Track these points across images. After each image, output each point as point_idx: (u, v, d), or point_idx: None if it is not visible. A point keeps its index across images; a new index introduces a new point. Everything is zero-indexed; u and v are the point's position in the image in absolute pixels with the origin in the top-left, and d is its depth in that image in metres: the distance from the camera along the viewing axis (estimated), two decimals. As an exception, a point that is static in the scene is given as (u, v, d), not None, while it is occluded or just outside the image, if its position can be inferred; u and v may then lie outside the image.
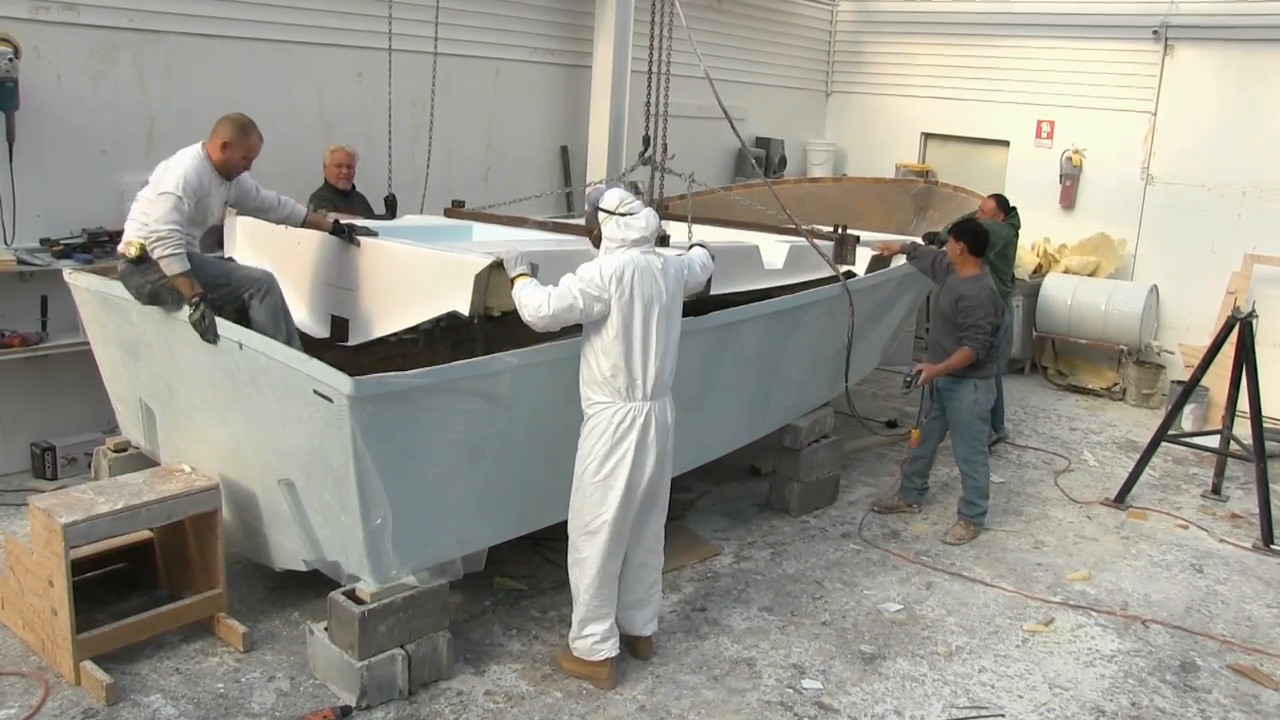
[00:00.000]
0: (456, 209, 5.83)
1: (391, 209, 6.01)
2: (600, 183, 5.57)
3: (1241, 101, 8.38)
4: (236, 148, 4.09)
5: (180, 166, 3.97)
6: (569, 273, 3.69)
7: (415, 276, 4.24)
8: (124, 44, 5.45)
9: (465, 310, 3.86)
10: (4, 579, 3.98)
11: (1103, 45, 8.98)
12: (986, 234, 5.67)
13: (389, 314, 4.28)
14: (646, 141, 5.53)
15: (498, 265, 3.82)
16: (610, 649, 3.88)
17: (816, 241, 5.52)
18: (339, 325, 4.51)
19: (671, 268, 3.87)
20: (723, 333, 4.75)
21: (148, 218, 3.92)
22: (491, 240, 4.98)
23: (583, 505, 3.79)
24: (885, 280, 6.04)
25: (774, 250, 5.30)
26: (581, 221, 5.26)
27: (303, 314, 4.63)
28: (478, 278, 3.82)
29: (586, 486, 3.76)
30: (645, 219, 3.77)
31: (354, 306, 4.50)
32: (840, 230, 5.77)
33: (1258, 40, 8.28)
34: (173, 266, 3.86)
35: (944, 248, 5.71)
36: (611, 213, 3.76)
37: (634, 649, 4.09)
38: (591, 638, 3.86)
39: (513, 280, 3.75)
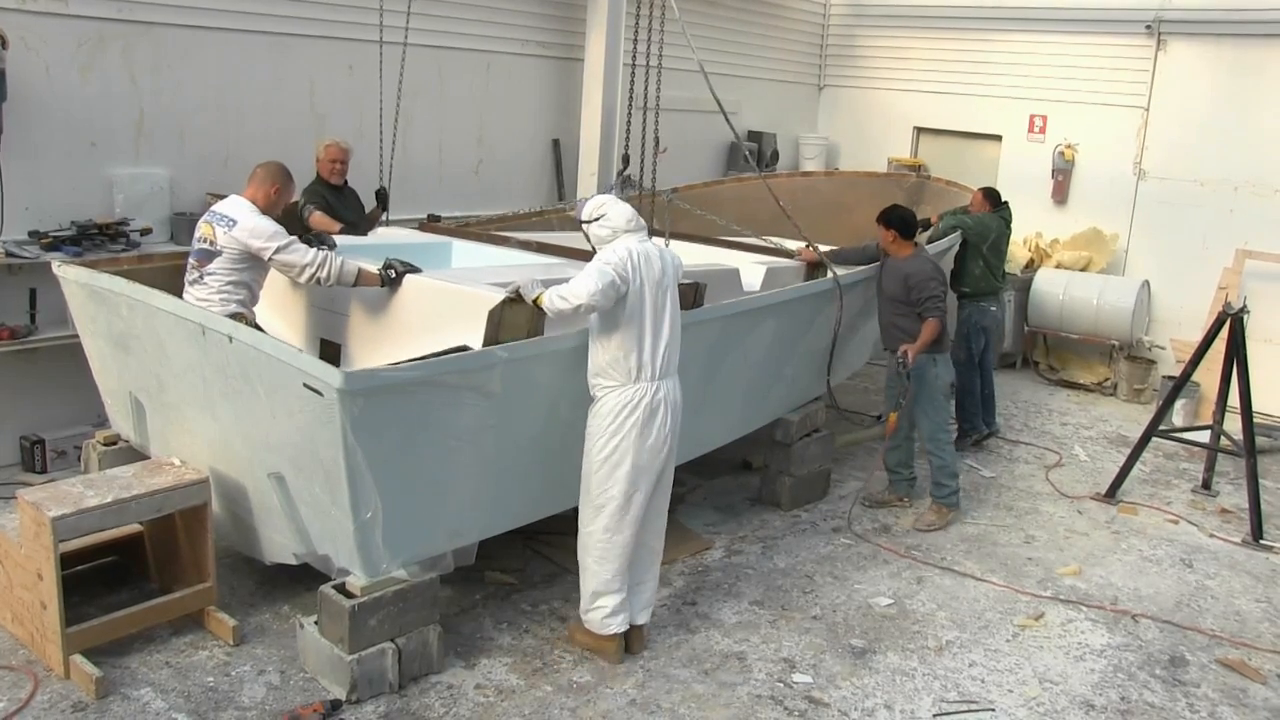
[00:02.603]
0: (432, 224, 5.73)
1: (383, 202, 5.97)
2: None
3: (1234, 96, 8.39)
4: (286, 192, 4.40)
5: (257, 218, 4.23)
6: (585, 267, 3.82)
7: (419, 307, 4.22)
8: (113, 35, 5.41)
9: (479, 347, 3.84)
10: (-8, 573, 3.97)
11: (1096, 39, 8.99)
12: (913, 216, 5.77)
13: (390, 344, 4.21)
14: (626, 160, 5.55)
15: (510, 301, 3.83)
16: (619, 624, 3.94)
17: (799, 245, 5.56)
18: (328, 349, 4.49)
19: (666, 254, 4.03)
20: (715, 327, 4.75)
21: (292, 269, 4.20)
22: (478, 265, 4.91)
23: (591, 484, 3.88)
24: (874, 275, 6.03)
25: (751, 272, 5.33)
26: (560, 241, 5.28)
27: (288, 336, 4.59)
28: (491, 313, 3.83)
29: (594, 463, 3.85)
30: (621, 208, 3.94)
31: (346, 332, 4.48)
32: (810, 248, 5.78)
33: (1251, 35, 8.29)
34: (350, 265, 4.22)
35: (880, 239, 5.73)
36: (589, 221, 3.94)
37: (630, 641, 4.11)
38: (602, 610, 3.92)
39: (535, 301, 3.80)
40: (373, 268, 4.29)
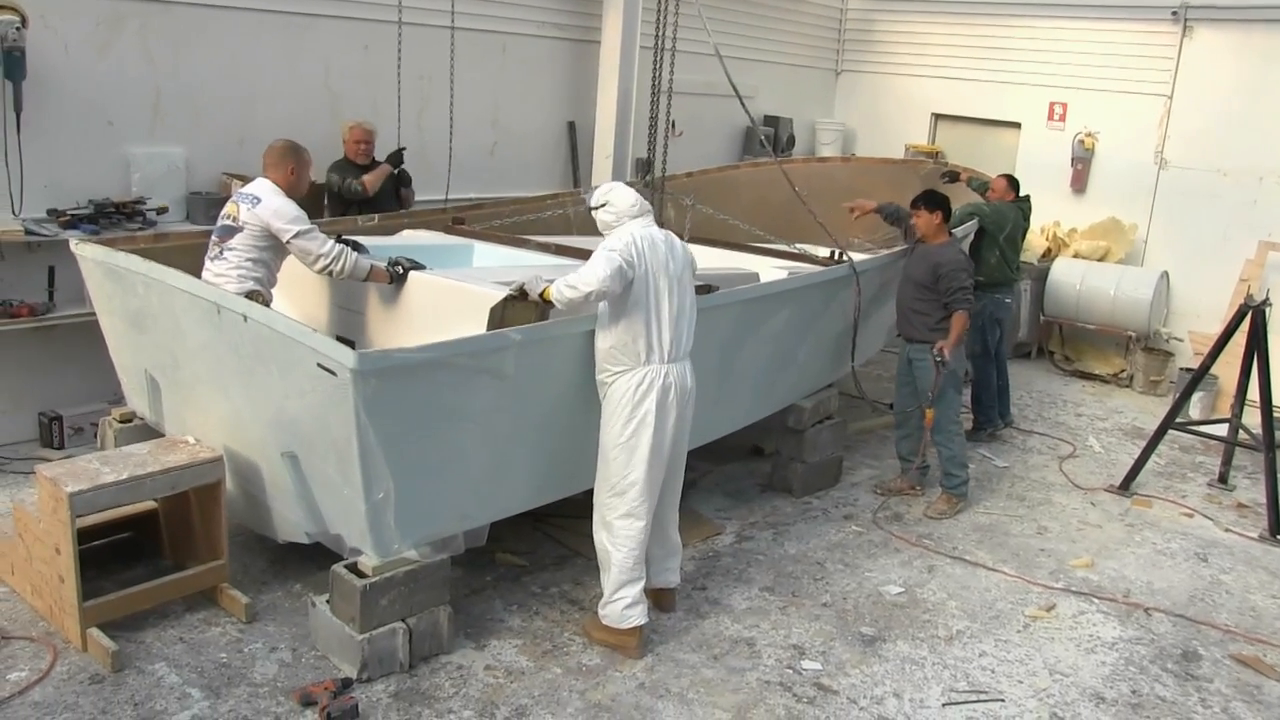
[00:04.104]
0: (457, 226, 5.77)
1: (395, 161, 6.08)
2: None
3: (1261, 85, 8.24)
4: (303, 168, 4.46)
5: (282, 200, 4.27)
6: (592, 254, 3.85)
7: (428, 305, 4.25)
8: (131, 14, 5.41)
9: None
10: (13, 545, 4.01)
11: (1119, 26, 8.86)
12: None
13: (403, 341, 4.20)
14: (649, 165, 5.54)
15: (513, 299, 3.86)
16: (640, 616, 3.95)
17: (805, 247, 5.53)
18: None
19: (675, 240, 4.05)
20: (729, 313, 4.74)
21: (308, 255, 4.22)
22: (495, 265, 4.95)
23: (609, 469, 3.89)
24: (891, 262, 6.00)
25: (772, 278, 5.29)
26: (583, 244, 5.27)
27: None
28: (493, 311, 3.86)
29: (611, 450, 3.87)
30: (624, 193, 4.00)
31: (361, 330, 4.52)
32: (835, 256, 5.74)
33: (1280, 21, 8.15)
34: (363, 260, 4.28)
35: (912, 220, 5.70)
36: (599, 206, 4.00)
37: (660, 602, 4.23)
38: (622, 601, 3.92)
39: (543, 295, 3.84)
40: (382, 265, 4.35)
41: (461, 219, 5.87)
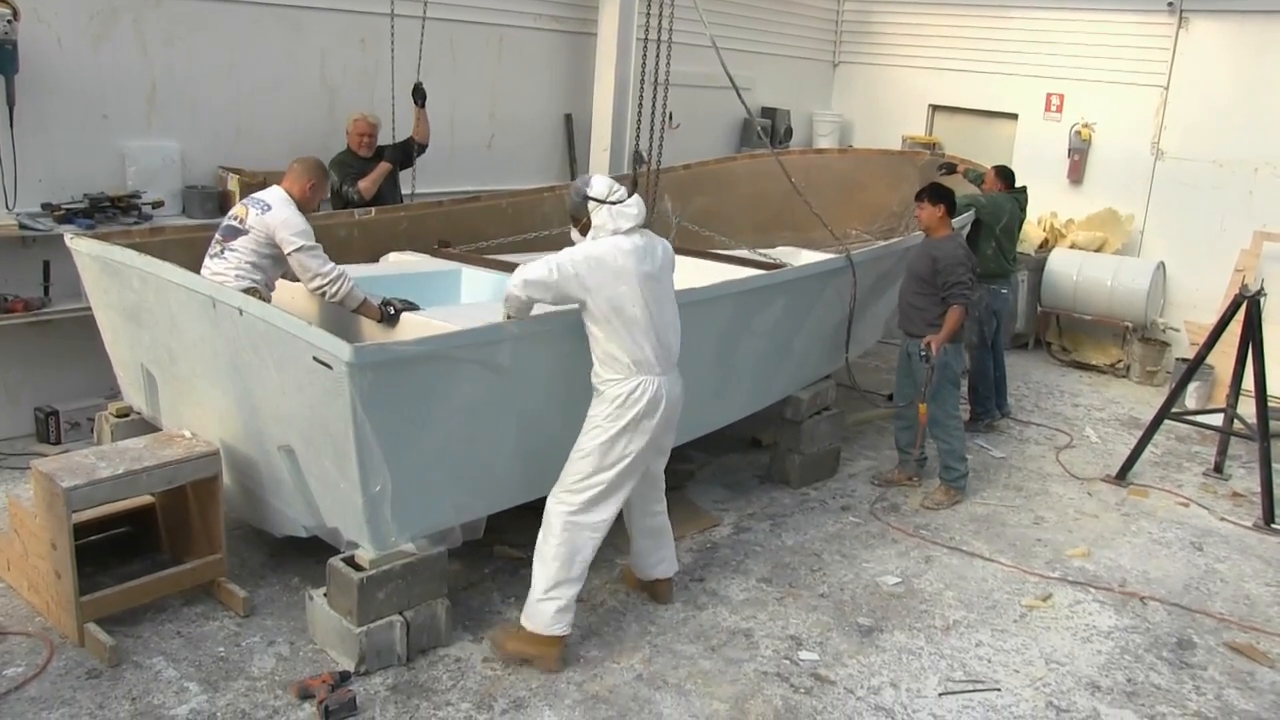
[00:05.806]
0: (443, 248, 5.70)
1: (419, 98, 6.22)
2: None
3: (1257, 75, 8.24)
4: (320, 189, 4.51)
5: (292, 211, 4.28)
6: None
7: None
8: (125, 7, 5.39)
9: None
10: (9, 541, 4.01)
11: (1115, 17, 8.85)
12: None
13: None
14: (640, 158, 5.52)
15: None
16: (566, 625, 3.75)
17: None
18: None
19: (658, 245, 3.89)
20: (726, 303, 4.74)
21: (306, 272, 4.19)
22: (485, 299, 4.89)
23: (576, 466, 3.77)
24: (888, 253, 6.00)
25: None
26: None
27: None
28: None
29: (584, 448, 3.77)
30: (636, 205, 3.81)
31: None
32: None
33: (1277, 12, 8.13)
34: (357, 291, 4.23)
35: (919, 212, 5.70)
36: (602, 201, 3.76)
37: (657, 593, 4.25)
38: (555, 602, 3.70)
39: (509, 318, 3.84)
40: (375, 301, 4.28)
41: (447, 241, 5.80)
